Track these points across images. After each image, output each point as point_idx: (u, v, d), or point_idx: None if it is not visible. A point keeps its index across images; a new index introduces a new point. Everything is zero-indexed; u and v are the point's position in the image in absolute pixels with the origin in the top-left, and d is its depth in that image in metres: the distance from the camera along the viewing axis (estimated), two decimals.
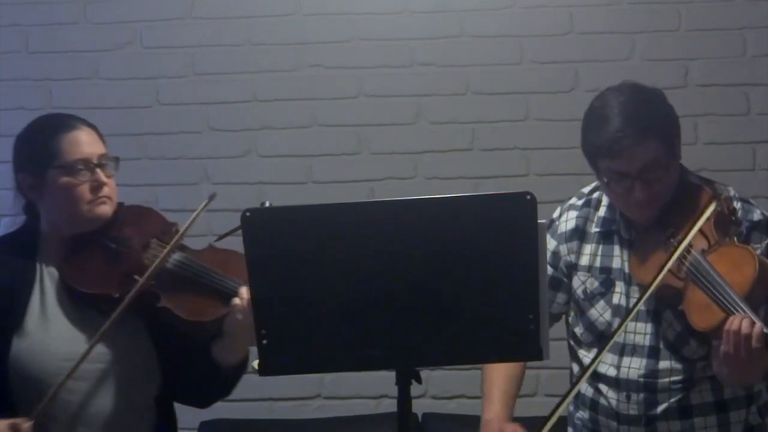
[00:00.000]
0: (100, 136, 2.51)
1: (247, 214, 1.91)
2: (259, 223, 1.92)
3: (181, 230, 2.44)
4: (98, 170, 2.43)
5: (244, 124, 3.84)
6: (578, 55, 3.76)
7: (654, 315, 2.41)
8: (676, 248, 2.29)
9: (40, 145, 2.45)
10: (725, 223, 2.32)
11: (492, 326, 1.93)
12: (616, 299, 2.46)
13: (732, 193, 2.42)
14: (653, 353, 2.41)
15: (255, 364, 1.98)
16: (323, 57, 3.84)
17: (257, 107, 3.84)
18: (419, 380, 1.99)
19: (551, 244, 2.54)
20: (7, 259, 2.44)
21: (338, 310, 1.91)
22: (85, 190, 2.41)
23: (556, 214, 2.60)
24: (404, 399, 1.99)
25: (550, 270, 2.51)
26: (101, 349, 2.37)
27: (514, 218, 1.89)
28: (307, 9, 3.85)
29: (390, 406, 3.61)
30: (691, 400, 2.40)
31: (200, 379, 2.46)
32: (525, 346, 1.93)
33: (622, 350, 2.44)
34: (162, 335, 2.43)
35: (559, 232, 2.56)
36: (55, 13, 3.87)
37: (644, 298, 2.31)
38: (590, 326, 2.50)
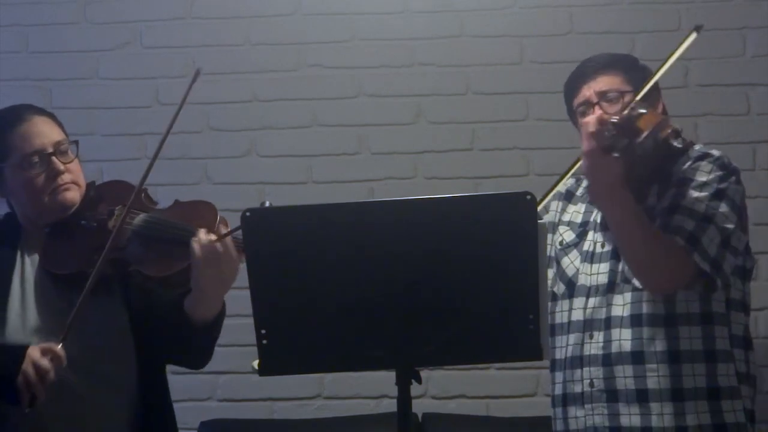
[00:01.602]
0: (56, 121, 2.49)
1: (247, 214, 1.91)
2: (259, 223, 1.92)
3: (143, 175, 2.43)
4: (53, 158, 2.42)
5: (244, 124, 3.84)
6: (578, 55, 3.73)
7: (613, 253, 2.46)
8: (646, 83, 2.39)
9: None
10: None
11: (492, 326, 1.93)
12: (586, 246, 2.53)
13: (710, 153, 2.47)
14: (611, 288, 2.45)
15: (255, 364, 1.98)
16: (323, 57, 3.84)
17: (257, 107, 3.84)
18: (419, 380, 1.99)
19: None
20: None
21: (338, 310, 1.92)
22: (41, 181, 2.41)
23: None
24: (404, 399, 1.99)
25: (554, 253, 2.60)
26: (77, 334, 2.32)
27: (514, 218, 1.90)
28: (307, 9, 3.85)
29: (390, 406, 3.61)
30: (643, 346, 2.40)
31: (181, 339, 2.42)
32: (525, 346, 1.93)
33: (588, 292, 2.48)
34: (138, 303, 2.40)
35: (559, 193, 2.67)
36: (55, 13, 3.87)
37: None
38: (562, 275, 2.54)
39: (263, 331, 1.93)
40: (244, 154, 3.84)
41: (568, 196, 2.66)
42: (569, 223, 2.60)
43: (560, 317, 2.54)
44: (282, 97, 3.83)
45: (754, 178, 3.72)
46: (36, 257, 2.44)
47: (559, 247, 2.58)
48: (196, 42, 3.85)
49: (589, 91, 2.49)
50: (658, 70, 2.40)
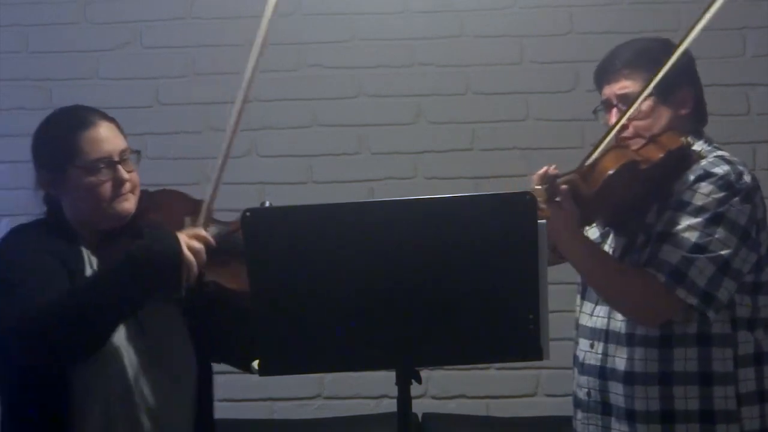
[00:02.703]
0: (120, 129, 2.49)
1: (247, 214, 1.91)
2: (259, 223, 1.92)
3: (207, 198, 2.41)
4: (119, 167, 2.41)
5: (244, 124, 3.82)
6: (578, 55, 3.76)
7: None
8: (640, 93, 2.35)
9: (60, 142, 2.41)
10: (657, 148, 2.34)
11: (492, 326, 1.93)
12: (605, 248, 2.50)
13: (718, 153, 2.41)
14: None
15: (255, 364, 1.98)
16: (323, 57, 3.84)
17: (257, 107, 3.84)
18: (419, 380, 1.99)
19: None
20: (54, 242, 2.39)
21: (338, 310, 1.92)
22: (107, 188, 2.39)
23: None
24: (404, 399, 1.99)
25: None
26: (143, 344, 2.36)
27: (514, 218, 1.90)
28: (307, 9, 3.85)
29: (390, 406, 3.61)
30: (635, 366, 2.36)
31: (248, 345, 2.42)
32: (525, 346, 1.93)
33: (597, 299, 2.47)
34: (202, 310, 2.41)
35: None
36: (55, 13, 3.87)
37: (595, 152, 2.37)
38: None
39: (263, 332, 1.93)
40: (244, 154, 3.84)
41: None
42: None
43: (578, 314, 2.54)
44: (282, 97, 3.83)
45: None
46: (95, 260, 2.42)
47: None
48: (196, 42, 3.85)
49: (610, 90, 2.46)
50: (674, 54, 2.35)
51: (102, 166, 2.39)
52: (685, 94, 2.45)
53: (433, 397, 3.74)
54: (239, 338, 2.41)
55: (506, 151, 3.80)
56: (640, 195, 2.37)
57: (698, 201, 2.31)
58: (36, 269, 2.31)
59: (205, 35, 3.85)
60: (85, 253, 2.42)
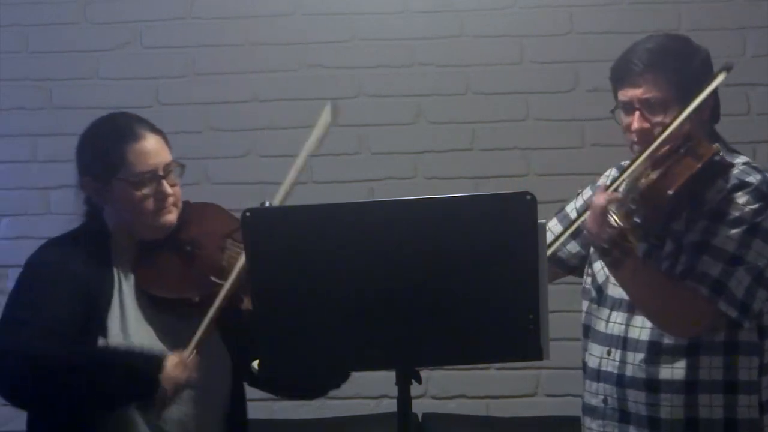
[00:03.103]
0: (167, 141, 2.47)
1: (247, 214, 1.91)
2: (259, 223, 1.92)
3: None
4: (163, 181, 2.40)
5: (244, 124, 3.84)
6: (578, 55, 3.76)
7: None
8: (661, 133, 2.30)
9: (106, 153, 2.40)
10: (695, 157, 2.28)
11: (492, 326, 1.93)
12: None
13: (742, 160, 2.38)
14: (631, 307, 2.39)
15: (255, 364, 1.98)
16: (323, 57, 3.84)
17: (257, 107, 3.84)
18: (419, 380, 1.99)
19: (587, 193, 2.57)
20: (84, 260, 2.40)
21: (338, 310, 1.92)
22: (150, 202, 2.39)
23: (608, 170, 2.60)
24: (404, 399, 1.99)
25: (574, 215, 2.54)
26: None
27: (514, 218, 1.89)
28: (307, 9, 3.85)
29: (390, 406, 3.61)
30: (659, 374, 2.34)
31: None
32: (525, 346, 1.93)
33: (613, 305, 2.43)
34: (241, 340, 2.39)
35: (597, 184, 2.55)
36: (55, 13, 3.87)
37: (624, 175, 2.33)
38: (593, 278, 2.50)
39: (263, 332, 1.93)
40: (244, 154, 3.84)
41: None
42: None
43: (587, 319, 2.50)
44: (282, 97, 3.83)
45: None
46: (129, 274, 2.42)
47: (592, 249, 2.49)
48: (196, 42, 3.85)
49: (632, 94, 2.37)
50: (684, 110, 2.31)
51: (147, 179, 2.38)
52: (704, 102, 2.39)
53: (433, 397, 3.74)
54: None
55: (506, 151, 3.79)
56: (674, 204, 2.33)
57: (735, 211, 2.29)
58: (48, 305, 2.32)
59: (205, 35, 3.85)
60: (116, 272, 2.41)
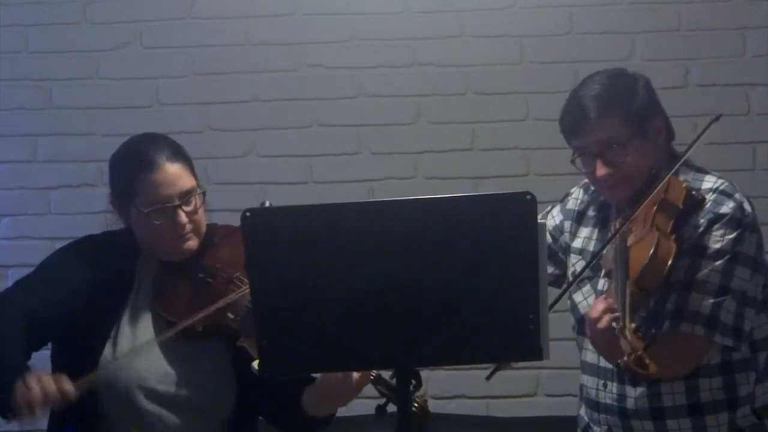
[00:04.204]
0: (188, 166, 2.45)
1: (247, 214, 1.91)
2: (259, 223, 1.92)
3: None
4: (179, 211, 2.38)
5: (244, 124, 3.84)
6: (578, 55, 3.76)
7: None
8: (618, 229, 2.30)
9: (123, 181, 2.42)
10: (669, 212, 2.29)
11: (492, 326, 1.93)
12: (600, 284, 2.46)
13: (711, 185, 2.39)
14: None
15: (255, 364, 1.98)
16: (323, 57, 3.84)
17: (257, 107, 3.84)
18: (419, 380, 1.99)
19: (558, 217, 2.58)
20: (108, 258, 2.44)
21: (338, 310, 1.91)
22: (164, 230, 2.39)
23: (572, 189, 2.63)
24: (404, 399, 1.99)
25: (549, 240, 2.54)
26: (183, 372, 2.38)
27: (514, 218, 1.89)
28: (306, 9, 3.85)
29: (390, 406, 3.61)
30: (662, 401, 2.37)
31: (287, 419, 2.45)
32: (525, 346, 1.93)
33: None
34: (244, 371, 2.36)
35: (567, 207, 2.59)
36: (55, 13, 3.87)
37: (584, 269, 2.37)
38: (574, 309, 2.51)
39: (263, 331, 1.93)
40: (244, 154, 3.84)
41: (579, 218, 2.57)
42: (581, 252, 2.52)
43: (577, 347, 2.52)
44: (282, 97, 3.84)
45: (754, 178, 3.73)
46: (149, 286, 2.45)
47: (571, 279, 2.50)
48: (196, 42, 3.85)
49: (589, 141, 2.38)
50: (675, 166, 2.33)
51: (159, 210, 2.37)
52: (657, 123, 2.42)
53: (433, 397, 3.74)
54: (279, 409, 2.45)
55: (506, 151, 3.79)
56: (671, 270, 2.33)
57: (715, 245, 2.31)
58: (42, 290, 2.38)
59: (205, 35, 3.85)
60: (138, 276, 2.45)
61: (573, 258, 2.53)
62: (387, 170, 3.81)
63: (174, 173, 2.40)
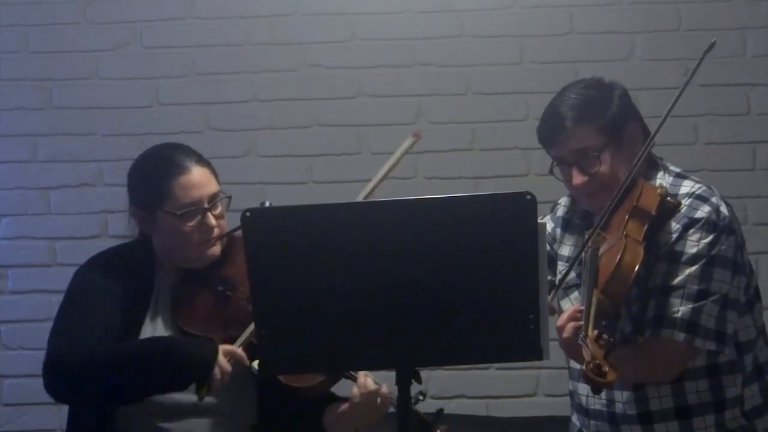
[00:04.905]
0: (213, 172, 2.48)
1: (247, 214, 1.91)
2: (259, 223, 1.92)
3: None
4: (208, 214, 2.41)
5: (244, 124, 3.84)
6: (578, 55, 3.76)
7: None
8: (587, 239, 2.31)
9: (152, 185, 2.43)
10: (642, 219, 2.29)
11: (492, 326, 1.93)
12: (570, 300, 2.48)
13: (688, 190, 2.38)
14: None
15: (255, 364, 1.98)
16: (323, 57, 3.84)
17: (257, 107, 3.84)
18: (419, 380, 1.99)
19: (550, 224, 2.59)
20: (127, 271, 2.44)
21: (338, 310, 1.92)
22: (194, 233, 2.41)
23: (560, 199, 2.64)
24: (404, 399, 1.99)
25: (547, 247, 2.52)
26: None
27: (514, 218, 1.89)
28: (306, 9, 3.85)
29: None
30: (650, 405, 2.38)
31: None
32: (525, 346, 1.93)
33: None
34: (269, 385, 2.41)
35: (557, 215, 2.61)
36: (55, 13, 3.87)
37: (564, 276, 2.38)
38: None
39: (263, 331, 1.93)
40: (244, 154, 3.84)
41: (566, 226, 2.59)
42: (568, 259, 2.52)
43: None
44: (282, 97, 3.84)
45: (754, 178, 3.73)
46: (167, 297, 2.45)
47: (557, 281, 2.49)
48: (196, 42, 3.85)
49: (563, 149, 2.40)
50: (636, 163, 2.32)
51: (192, 213, 2.39)
52: (632, 129, 2.43)
53: (433, 397, 3.74)
54: (299, 424, 2.46)
55: (506, 151, 3.79)
56: (638, 276, 2.31)
57: (691, 249, 2.31)
58: (94, 310, 2.38)
59: (205, 35, 3.85)
60: (155, 292, 2.45)
61: (560, 265, 2.54)
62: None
63: (203, 176, 2.44)
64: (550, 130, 2.43)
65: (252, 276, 1.93)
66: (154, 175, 2.44)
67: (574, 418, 2.57)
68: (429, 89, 3.82)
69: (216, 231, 2.43)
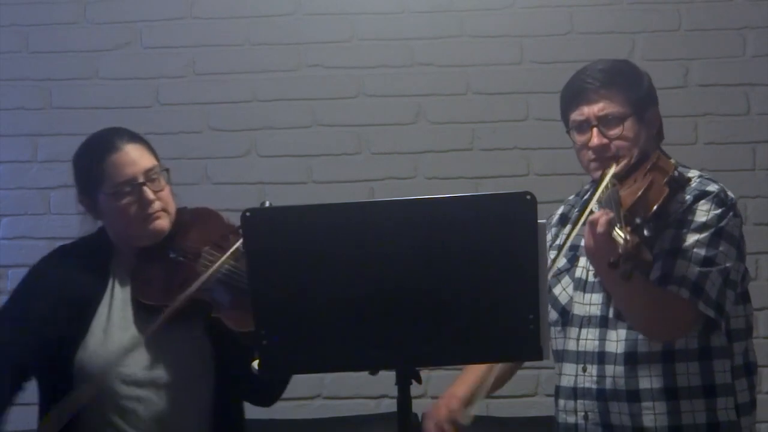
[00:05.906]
0: (148, 147, 2.51)
1: (247, 214, 1.91)
2: (259, 223, 1.92)
3: (236, 244, 2.40)
4: (144, 188, 2.43)
5: (244, 124, 3.85)
6: (578, 55, 3.74)
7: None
8: (596, 191, 2.34)
9: (88, 170, 2.48)
10: (662, 173, 2.31)
11: (492, 326, 1.93)
12: (578, 273, 2.48)
13: (695, 174, 2.43)
14: (603, 323, 2.42)
15: (255, 364, 1.98)
16: (323, 57, 3.84)
17: (257, 107, 3.84)
18: (419, 380, 1.99)
19: (548, 235, 2.58)
20: (82, 264, 2.48)
21: (338, 310, 1.92)
22: (134, 210, 2.43)
23: (555, 210, 2.66)
24: (404, 399, 1.99)
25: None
26: (158, 355, 2.41)
27: (514, 218, 1.89)
28: (307, 9, 3.85)
29: (390, 406, 3.61)
30: (639, 384, 2.37)
31: (257, 380, 2.46)
32: (525, 346, 1.93)
33: (581, 322, 2.45)
34: (220, 339, 2.42)
35: (551, 223, 2.62)
36: (55, 13, 3.87)
37: (572, 234, 2.39)
38: (554, 302, 2.50)
39: (263, 331, 1.93)
40: (244, 154, 3.84)
41: (563, 220, 2.62)
42: (561, 248, 2.51)
43: (555, 344, 2.51)
44: (282, 97, 3.84)
45: (754, 178, 3.73)
46: (126, 280, 2.48)
47: (551, 275, 2.50)
48: (196, 42, 3.86)
49: (588, 111, 2.44)
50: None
51: (127, 189, 2.42)
52: (655, 113, 2.49)
53: (433, 397, 3.73)
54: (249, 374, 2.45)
55: (506, 151, 3.79)
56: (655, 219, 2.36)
57: (701, 218, 2.35)
58: (28, 307, 2.45)
59: (205, 35, 3.85)
60: (111, 280, 2.48)
61: (553, 254, 2.54)
62: (387, 170, 3.81)
63: (135, 152, 2.47)
64: (580, 88, 2.47)
65: (252, 276, 1.93)
66: (89, 159, 2.48)
67: (559, 417, 2.53)
68: (429, 89, 3.82)
69: (157, 204, 2.44)
